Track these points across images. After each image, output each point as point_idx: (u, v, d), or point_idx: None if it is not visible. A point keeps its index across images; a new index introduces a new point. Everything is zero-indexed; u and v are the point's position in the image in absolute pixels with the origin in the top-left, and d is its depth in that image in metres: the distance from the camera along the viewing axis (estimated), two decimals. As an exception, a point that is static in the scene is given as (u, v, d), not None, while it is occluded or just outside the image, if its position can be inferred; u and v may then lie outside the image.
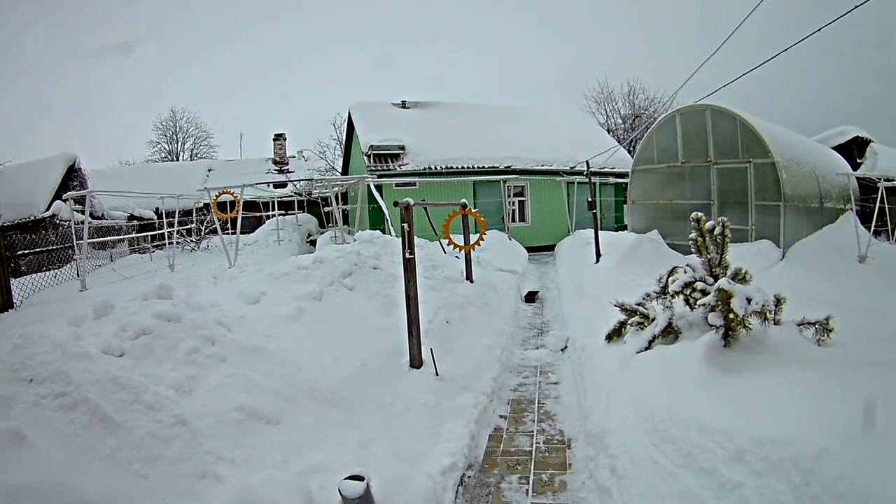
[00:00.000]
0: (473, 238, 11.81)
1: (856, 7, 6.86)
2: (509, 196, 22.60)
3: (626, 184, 18.64)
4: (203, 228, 23.68)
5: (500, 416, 7.03)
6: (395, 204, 7.62)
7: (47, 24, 68.70)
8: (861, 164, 20.32)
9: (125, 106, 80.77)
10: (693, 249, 6.18)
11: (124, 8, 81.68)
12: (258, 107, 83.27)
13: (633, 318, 6.94)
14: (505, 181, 21.90)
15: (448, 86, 79.21)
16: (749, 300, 4.97)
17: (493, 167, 22.77)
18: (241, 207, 16.52)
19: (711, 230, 5.99)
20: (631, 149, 30.27)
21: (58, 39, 73.58)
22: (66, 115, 74.13)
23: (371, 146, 22.08)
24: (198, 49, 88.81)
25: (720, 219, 6.03)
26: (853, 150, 20.84)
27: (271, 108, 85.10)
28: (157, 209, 25.45)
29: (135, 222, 25.50)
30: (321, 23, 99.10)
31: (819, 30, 7.48)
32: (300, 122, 73.82)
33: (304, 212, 28.08)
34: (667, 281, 6.65)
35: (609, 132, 36.01)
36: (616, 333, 7.24)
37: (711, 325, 5.19)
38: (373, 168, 21.49)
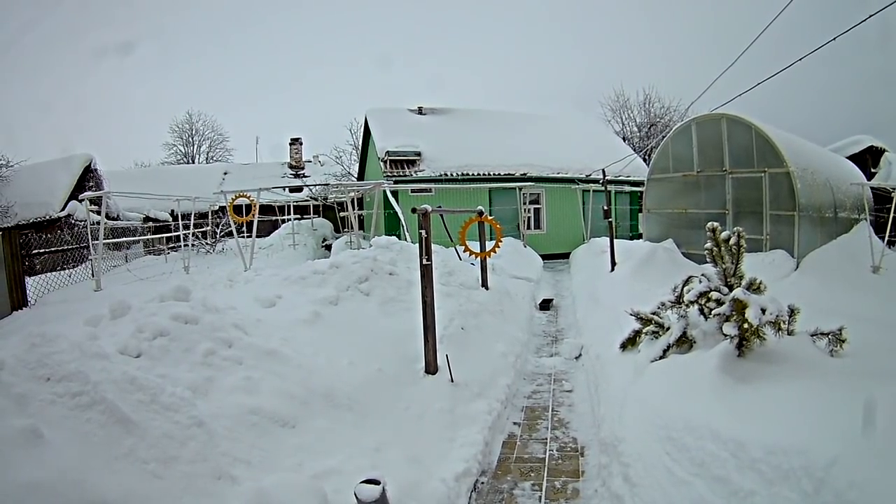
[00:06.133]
0: (489, 245, 11.81)
1: (871, 16, 6.85)
2: (525, 203, 22.63)
3: (641, 192, 18.59)
4: (218, 231, 23.75)
5: (514, 423, 7.04)
6: (414, 210, 7.65)
7: (47, 25, 69.14)
8: (875, 173, 20.20)
9: (137, 107, 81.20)
10: (708, 259, 6.16)
11: (129, 8, 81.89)
12: (275, 111, 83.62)
13: (647, 327, 6.94)
14: (520, 188, 21.95)
15: (464, 92, 79.23)
16: (763, 310, 4.97)
17: (508, 174, 22.74)
18: (257, 211, 16.58)
19: (727, 240, 5.98)
20: (646, 157, 30.15)
21: (58, 39, 73.94)
22: (74, 116, 74.65)
23: (387, 152, 22.14)
24: (215, 51, 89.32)
25: (735, 229, 6.02)
26: (867, 159, 20.71)
27: (288, 113, 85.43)
28: (172, 211, 25.57)
29: (150, 224, 25.66)
30: (338, 27, 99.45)
31: (834, 39, 7.46)
32: (317, 127, 74.03)
33: (319, 216, 28.14)
34: (682, 290, 6.64)
35: (624, 140, 35.85)
36: (630, 342, 7.23)
37: (726, 335, 5.19)
38: (389, 174, 21.53)
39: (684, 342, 6.19)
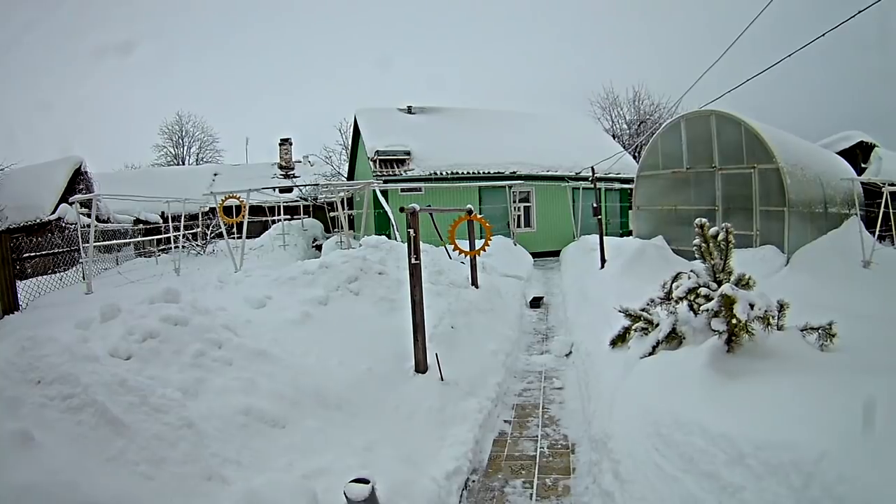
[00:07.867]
0: (479, 244, 11.82)
1: (860, 12, 6.88)
2: (514, 202, 22.63)
3: (631, 189, 18.63)
4: (209, 232, 23.69)
5: (505, 421, 7.04)
6: (402, 210, 7.65)
7: (47, 25, 68.88)
8: (865, 168, 20.32)
9: (129, 109, 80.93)
10: (697, 255, 6.18)
11: (125, 9, 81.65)
12: (264, 112, 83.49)
13: (637, 324, 6.95)
14: (510, 187, 21.95)
15: (454, 91, 79.24)
16: (752, 305, 4.99)
17: (498, 173, 22.73)
18: (247, 212, 16.52)
19: (715, 236, 6.00)
20: (636, 154, 30.23)
21: (58, 40, 73.70)
22: (68, 117, 74.41)
23: (377, 151, 22.11)
24: (203, 52, 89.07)
25: (723, 225, 6.04)
26: (858, 154, 20.86)
27: (277, 113, 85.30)
28: (162, 213, 25.48)
29: (141, 226, 25.57)
30: (327, 27, 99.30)
31: (823, 35, 7.51)
32: (306, 128, 73.82)
33: (309, 217, 28.08)
34: (671, 286, 6.65)
35: (614, 138, 36.00)
36: (620, 339, 7.25)
37: (715, 331, 5.20)
38: (378, 173, 21.48)
39: (673, 338, 6.20)
